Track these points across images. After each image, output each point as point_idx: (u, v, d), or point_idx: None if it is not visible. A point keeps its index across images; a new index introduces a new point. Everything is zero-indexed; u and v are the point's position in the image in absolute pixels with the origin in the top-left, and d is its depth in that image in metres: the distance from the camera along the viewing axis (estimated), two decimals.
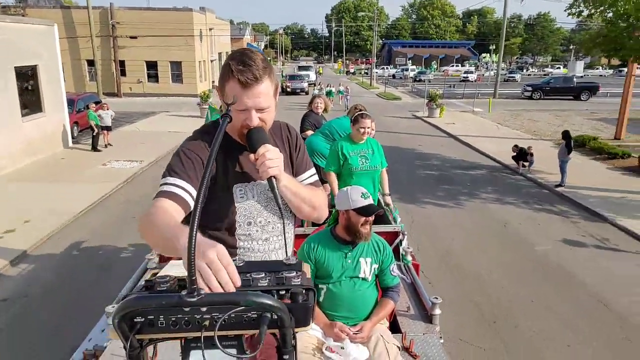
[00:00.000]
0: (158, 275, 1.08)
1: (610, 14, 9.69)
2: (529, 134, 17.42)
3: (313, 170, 1.87)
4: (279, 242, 1.73)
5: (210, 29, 34.85)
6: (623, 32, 9.57)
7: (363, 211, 2.53)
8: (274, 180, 1.46)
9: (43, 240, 7.49)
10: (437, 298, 2.80)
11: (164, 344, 1.04)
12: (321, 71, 60.32)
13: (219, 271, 0.96)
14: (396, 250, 3.44)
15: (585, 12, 10.45)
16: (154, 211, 1.39)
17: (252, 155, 1.48)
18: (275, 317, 0.97)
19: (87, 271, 6.44)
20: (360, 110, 4.50)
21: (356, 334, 2.43)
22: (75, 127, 15.46)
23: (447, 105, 23.31)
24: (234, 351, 1.00)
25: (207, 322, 0.95)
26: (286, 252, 1.72)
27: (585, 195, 9.86)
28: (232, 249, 1.63)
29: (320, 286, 2.58)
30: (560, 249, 7.28)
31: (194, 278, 0.92)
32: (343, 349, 2.32)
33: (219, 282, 0.96)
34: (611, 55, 10.99)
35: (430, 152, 14.55)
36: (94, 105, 15.01)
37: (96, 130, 13.89)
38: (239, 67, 1.48)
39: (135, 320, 0.96)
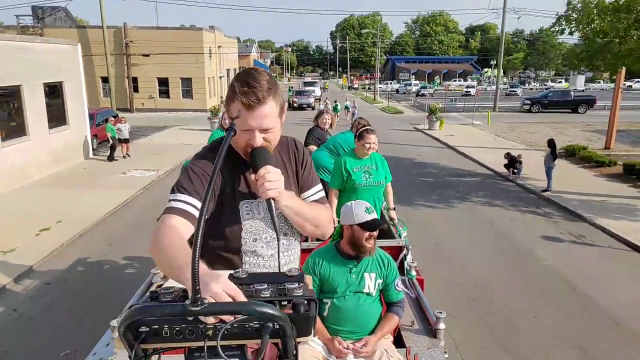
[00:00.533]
0: (163, 286, 1.11)
1: (589, 32, 10.62)
2: (525, 145, 18.25)
3: (319, 186, 1.89)
4: (285, 259, 1.74)
5: (219, 47, 36.17)
6: (602, 48, 10.47)
7: (367, 226, 2.55)
8: (272, 201, 1.49)
9: (76, 236, 8.39)
10: (441, 312, 2.80)
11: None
12: (327, 86, 61.70)
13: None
14: (401, 265, 3.50)
15: (567, 30, 11.39)
16: (164, 231, 1.41)
17: (252, 176, 1.54)
18: (277, 326, 0.99)
19: (114, 264, 7.33)
20: (365, 125, 4.54)
21: (361, 348, 2.48)
22: (95, 140, 16.49)
23: (447, 118, 24.24)
24: None
25: (210, 332, 0.97)
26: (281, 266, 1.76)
27: (569, 199, 10.66)
28: (237, 265, 1.67)
29: (324, 301, 2.59)
30: (539, 243, 8.09)
31: (197, 288, 0.94)
32: None
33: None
34: (593, 70, 11.88)
35: (428, 161, 15.43)
36: (112, 119, 16.06)
37: (112, 142, 14.91)
38: (242, 88, 1.52)
39: (140, 329, 0.98)
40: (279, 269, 1.60)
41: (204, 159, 1.66)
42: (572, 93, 32.14)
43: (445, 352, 2.68)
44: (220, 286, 1.00)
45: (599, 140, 18.91)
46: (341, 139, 5.55)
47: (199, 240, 0.95)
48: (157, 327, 0.97)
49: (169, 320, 0.97)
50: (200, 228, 0.96)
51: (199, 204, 1.51)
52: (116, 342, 1.02)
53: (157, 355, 1.05)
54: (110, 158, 14.86)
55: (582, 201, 10.47)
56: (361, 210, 2.60)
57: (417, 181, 12.65)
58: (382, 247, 2.84)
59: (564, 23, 11.16)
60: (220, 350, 0.95)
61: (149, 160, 14.79)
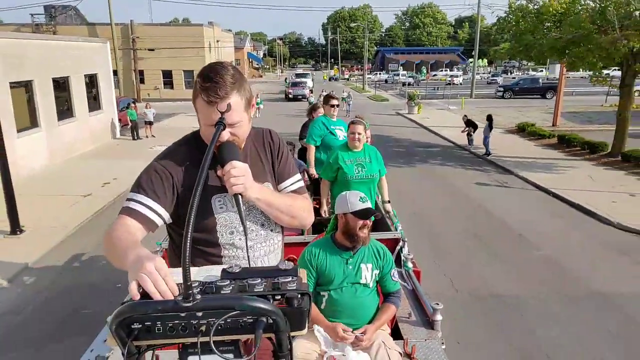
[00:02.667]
0: None
1: (518, 31, 13.60)
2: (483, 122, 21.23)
3: (297, 176, 1.88)
4: (264, 249, 1.76)
5: (217, 41, 38.86)
6: (530, 44, 13.40)
7: (360, 214, 2.58)
8: (239, 196, 1.50)
9: (121, 196, 11.27)
10: (438, 304, 2.80)
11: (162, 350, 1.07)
12: (326, 77, 64.74)
13: (157, 281, 1.03)
14: (397, 257, 3.50)
15: (505, 29, 14.36)
16: (115, 228, 1.46)
17: (219, 171, 1.54)
18: (271, 321, 1.00)
19: None
20: (356, 116, 4.52)
21: (361, 335, 2.48)
22: (119, 123, 19.31)
23: (428, 105, 27.17)
24: (230, 356, 1.02)
25: (203, 328, 0.98)
26: (263, 258, 1.77)
27: (506, 160, 13.68)
28: (217, 258, 1.68)
29: (321, 293, 2.61)
30: (472, 187, 11.11)
31: (189, 284, 0.96)
32: (345, 356, 2.37)
33: (157, 290, 1.02)
34: (528, 60, 14.76)
35: (402, 137, 18.42)
36: (133, 104, 18.86)
37: (132, 124, 17.72)
38: (204, 84, 1.51)
39: (132, 326, 0.98)
40: (249, 263, 1.58)
41: (169, 157, 1.68)
42: (540, 81, 35.19)
43: (442, 342, 2.69)
44: (153, 266, 1.05)
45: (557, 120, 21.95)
46: (331, 123, 5.47)
47: (188, 238, 0.98)
48: (149, 323, 0.98)
49: (162, 317, 0.97)
50: (190, 224, 1.00)
51: (156, 205, 1.56)
52: (108, 339, 1.02)
53: (152, 352, 1.05)
54: (134, 137, 17.70)
55: (516, 162, 13.48)
56: (355, 199, 2.64)
57: (390, 151, 15.60)
58: (378, 240, 2.87)
59: (502, 24, 14.13)
60: (214, 346, 0.96)
61: (169, 139, 17.13)
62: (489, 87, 45.38)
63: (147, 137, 18.01)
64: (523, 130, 18.43)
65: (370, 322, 2.61)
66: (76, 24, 33.56)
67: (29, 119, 12.60)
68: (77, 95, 15.04)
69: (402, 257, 3.52)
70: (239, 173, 1.49)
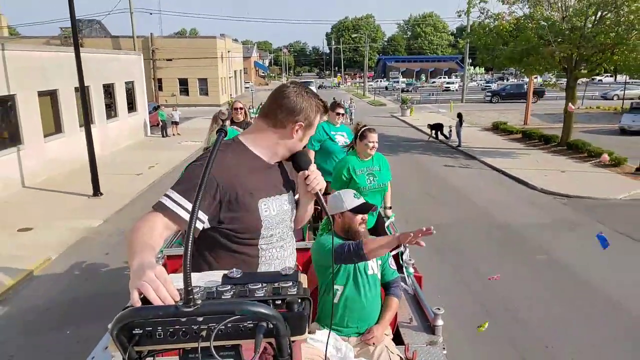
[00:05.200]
0: None
1: (481, 45, 16.66)
2: (469, 124, 24.18)
3: None
4: (291, 248, 1.91)
5: (228, 51, 42.11)
6: (492, 55, 16.43)
7: (359, 210, 2.66)
8: (319, 193, 1.73)
9: (169, 171, 14.29)
10: (439, 309, 2.79)
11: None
12: (334, 83, 68.35)
13: (157, 288, 1.06)
14: (398, 262, 3.47)
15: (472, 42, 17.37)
16: (139, 226, 1.50)
17: (301, 173, 1.78)
18: (271, 326, 1.00)
19: None
20: (365, 125, 4.32)
21: (368, 335, 2.57)
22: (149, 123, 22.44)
23: (421, 108, 30.14)
24: None
25: (204, 333, 0.98)
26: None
27: (474, 150, 16.62)
28: (254, 259, 1.77)
29: (335, 287, 2.66)
30: (441, 169, 14.08)
31: (190, 289, 0.97)
32: None
33: (158, 297, 1.05)
34: (495, 66, 17.72)
35: (392, 134, 21.42)
36: (163, 107, 22.00)
37: (161, 124, 20.81)
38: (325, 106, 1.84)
39: (133, 332, 0.99)
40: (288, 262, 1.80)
41: (217, 162, 1.58)
42: (525, 86, 38.03)
43: (444, 348, 2.69)
44: (154, 274, 1.08)
45: (529, 120, 24.90)
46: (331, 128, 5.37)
47: (190, 243, 0.99)
48: (150, 329, 0.98)
49: (163, 322, 0.98)
50: (191, 232, 1.01)
51: (189, 205, 1.55)
52: (110, 344, 1.02)
53: (152, 357, 1.05)
54: (164, 135, 20.78)
55: (482, 151, 16.42)
56: (350, 197, 2.71)
57: (379, 144, 18.62)
58: None
59: (467, 36, 17.19)
60: (214, 351, 0.96)
61: (194, 136, 20.70)
62: (483, 93, 48.38)
63: (173, 134, 21.09)
64: (497, 128, 21.39)
65: (377, 318, 2.69)
66: (100, 37, 36.85)
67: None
68: (120, 99, 18.16)
69: (403, 263, 3.52)
70: (319, 174, 1.78)
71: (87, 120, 11.13)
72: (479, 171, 13.76)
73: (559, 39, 14.00)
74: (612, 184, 11.66)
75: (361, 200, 2.69)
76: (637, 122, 18.93)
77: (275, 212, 1.76)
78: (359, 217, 2.65)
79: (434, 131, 18.84)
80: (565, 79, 15.81)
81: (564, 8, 14.49)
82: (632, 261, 7.15)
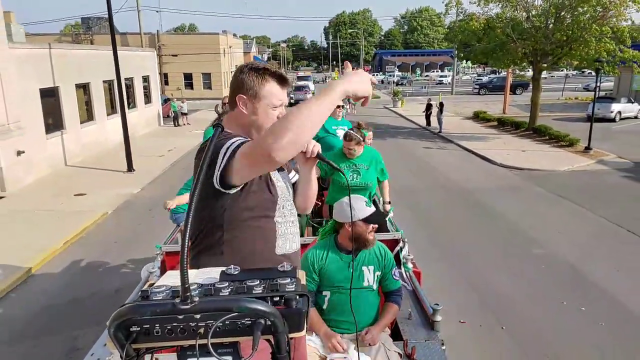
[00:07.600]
0: (154, 285, 1.11)
1: (459, 42, 18.89)
2: (453, 113, 26.43)
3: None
4: (298, 227, 1.96)
5: (230, 47, 44.18)
6: (470, 51, 18.64)
7: (371, 220, 2.62)
8: (319, 153, 1.73)
9: (184, 155, 16.49)
10: (438, 305, 2.79)
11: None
12: (336, 77, 69.53)
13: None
14: (397, 258, 3.48)
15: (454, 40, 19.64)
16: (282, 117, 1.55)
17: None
18: (269, 323, 1.00)
19: None
20: (358, 125, 4.27)
21: (365, 335, 2.55)
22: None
23: (412, 100, 32.32)
24: (229, 358, 1.03)
25: (201, 330, 0.98)
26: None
27: (453, 135, 18.84)
28: (271, 232, 1.82)
29: (324, 293, 2.65)
30: (422, 150, 16.33)
31: (187, 286, 0.96)
32: (346, 358, 2.45)
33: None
34: (472, 61, 19.89)
35: (382, 123, 23.63)
36: (175, 99, 24.18)
37: (174, 115, 22.99)
38: (276, 73, 1.80)
39: (131, 329, 0.98)
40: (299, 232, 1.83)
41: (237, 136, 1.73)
42: (511, 78, 40.22)
43: (442, 343, 2.67)
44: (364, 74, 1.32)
45: (508, 109, 27.12)
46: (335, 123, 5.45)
47: (186, 241, 0.99)
48: (148, 326, 0.98)
49: (160, 319, 0.98)
50: (189, 225, 1.02)
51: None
52: (107, 341, 1.02)
53: (150, 355, 1.05)
54: (175, 124, 22.98)
55: (460, 136, 18.64)
56: (362, 205, 2.64)
57: None
58: (378, 240, 2.89)
59: (448, 34, 19.43)
60: (212, 348, 0.96)
61: (203, 126, 22.79)
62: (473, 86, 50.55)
63: (184, 124, 23.28)
64: (477, 116, 23.61)
65: (373, 323, 2.66)
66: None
67: (111, 108, 17.88)
68: (138, 91, 20.33)
69: (402, 258, 3.53)
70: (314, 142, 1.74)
71: (122, 107, 13.36)
72: (453, 152, 16.01)
73: (524, 37, 16.21)
74: (560, 160, 13.93)
75: (372, 209, 2.66)
76: (601, 110, 21.17)
77: (285, 187, 1.85)
78: (370, 226, 2.63)
79: (425, 113, 20.94)
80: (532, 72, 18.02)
81: (527, 9, 16.69)
82: (552, 211, 9.43)
